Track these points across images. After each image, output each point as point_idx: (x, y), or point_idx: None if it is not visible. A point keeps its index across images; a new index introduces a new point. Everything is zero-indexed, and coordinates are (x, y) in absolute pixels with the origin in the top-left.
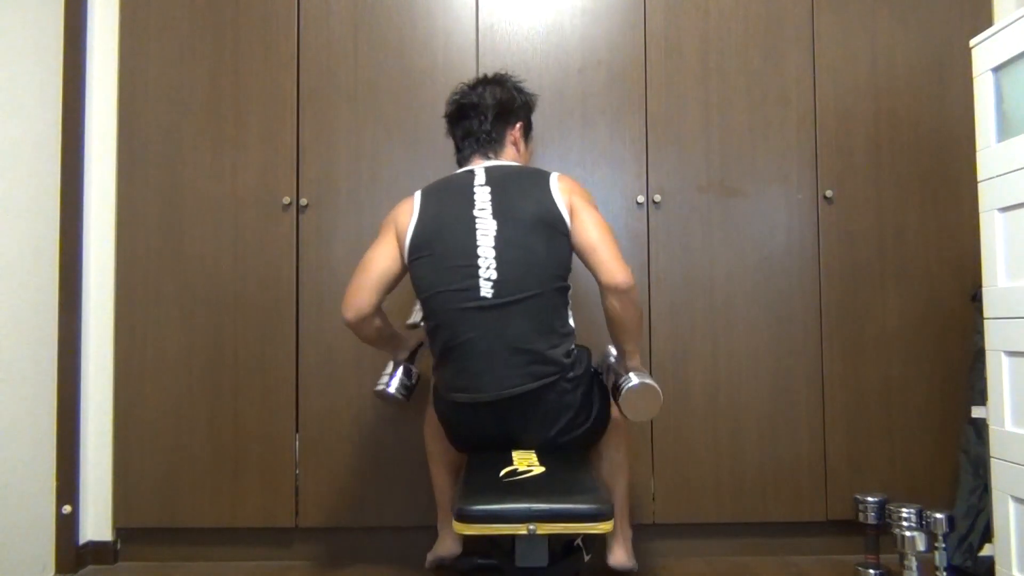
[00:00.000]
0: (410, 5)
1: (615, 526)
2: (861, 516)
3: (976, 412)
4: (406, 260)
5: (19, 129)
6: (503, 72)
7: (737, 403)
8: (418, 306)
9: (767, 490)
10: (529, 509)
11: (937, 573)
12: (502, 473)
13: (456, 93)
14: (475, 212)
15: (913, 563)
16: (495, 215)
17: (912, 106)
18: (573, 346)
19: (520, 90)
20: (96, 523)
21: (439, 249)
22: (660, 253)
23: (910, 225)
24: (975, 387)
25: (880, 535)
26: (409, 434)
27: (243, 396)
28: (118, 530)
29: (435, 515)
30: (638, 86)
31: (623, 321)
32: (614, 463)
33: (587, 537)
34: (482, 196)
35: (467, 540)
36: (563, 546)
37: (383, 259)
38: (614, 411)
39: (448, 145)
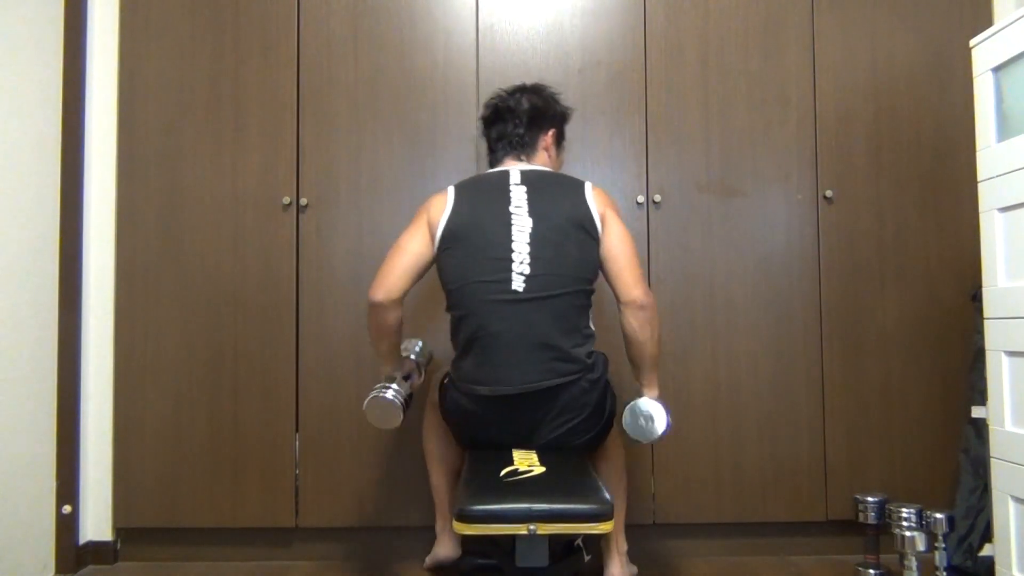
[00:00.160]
0: (410, 5)
1: (611, 540)
2: (861, 516)
3: (976, 412)
4: (436, 250)
5: (19, 129)
6: (541, 83)
7: (737, 403)
8: (416, 343)
9: (767, 490)
10: (529, 509)
11: (937, 573)
12: (502, 473)
13: (493, 97)
14: (511, 208)
15: (913, 563)
16: (531, 213)
17: (912, 106)
18: (593, 348)
19: (555, 100)
20: (96, 523)
21: (473, 241)
22: (660, 253)
23: (910, 225)
24: (975, 387)
25: (880, 535)
26: (409, 434)
27: (243, 396)
28: (118, 530)
29: (435, 515)
30: (638, 86)
31: (640, 343)
32: (611, 480)
33: (587, 537)
34: (518, 194)
35: (467, 540)
36: (563, 546)
37: (417, 244)
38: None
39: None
